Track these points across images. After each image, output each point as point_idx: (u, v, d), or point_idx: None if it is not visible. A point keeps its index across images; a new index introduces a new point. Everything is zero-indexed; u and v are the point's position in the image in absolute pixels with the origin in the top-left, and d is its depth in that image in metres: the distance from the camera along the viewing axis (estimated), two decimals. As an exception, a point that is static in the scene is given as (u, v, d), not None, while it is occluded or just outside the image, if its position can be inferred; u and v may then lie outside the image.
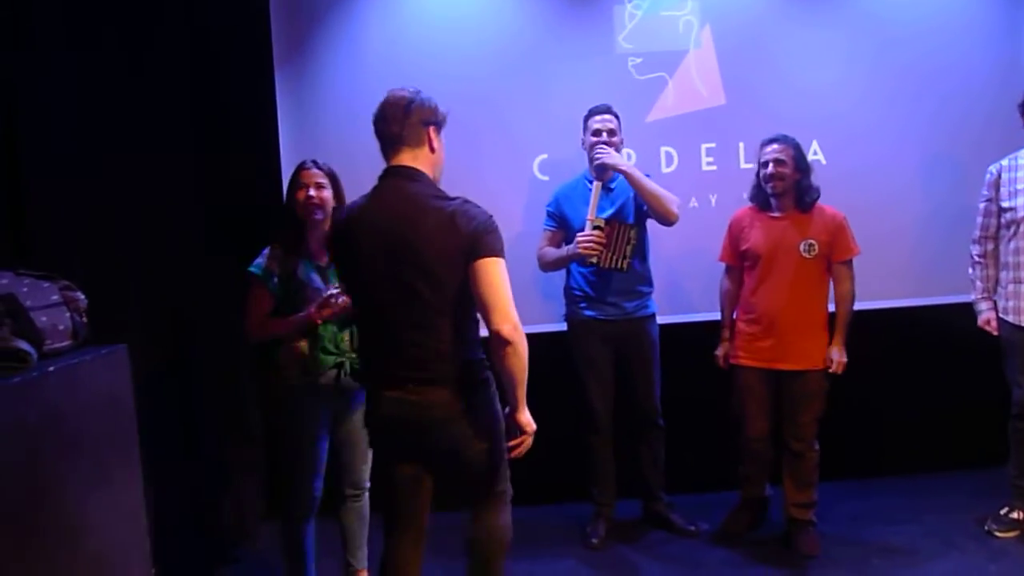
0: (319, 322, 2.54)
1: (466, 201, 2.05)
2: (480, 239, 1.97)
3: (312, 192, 2.60)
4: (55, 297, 2.07)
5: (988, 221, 3.15)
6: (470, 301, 2.01)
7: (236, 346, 2.64)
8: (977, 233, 3.19)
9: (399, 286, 2.01)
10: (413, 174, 2.09)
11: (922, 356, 3.68)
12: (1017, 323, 3.04)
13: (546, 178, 3.56)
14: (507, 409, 2.09)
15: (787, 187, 3.01)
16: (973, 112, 3.68)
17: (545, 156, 3.58)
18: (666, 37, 3.59)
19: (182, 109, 3.25)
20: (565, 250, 3.14)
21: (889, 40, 3.66)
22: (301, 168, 2.65)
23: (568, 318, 3.31)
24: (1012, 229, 3.04)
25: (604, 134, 3.10)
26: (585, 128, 3.19)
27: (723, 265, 3.25)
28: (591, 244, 3.00)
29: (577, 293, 3.25)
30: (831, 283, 3.08)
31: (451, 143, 3.17)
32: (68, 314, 2.08)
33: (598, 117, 3.14)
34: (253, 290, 2.59)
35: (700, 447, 3.52)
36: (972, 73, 3.69)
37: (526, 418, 2.06)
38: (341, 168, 3.49)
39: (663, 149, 3.61)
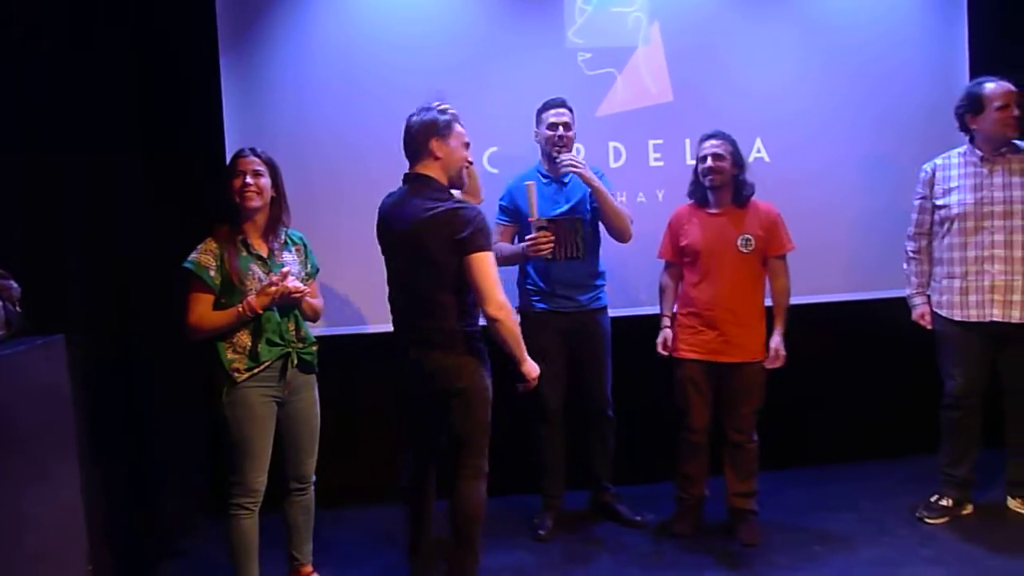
0: (259, 311, 2.50)
1: (458, 201, 2.50)
2: (469, 238, 2.42)
3: (249, 180, 2.55)
4: (-14, 286, 2.02)
5: (923, 218, 3.26)
6: (466, 283, 2.47)
7: (181, 338, 2.57)
8: (912, 230, 3.30)
9: (412, 268, 2.52)
10: (420, 179, 2.55)
11: (859, 348, 3.80)
12: (950, 317, 3.16)
13: (496, 171, 3.57)
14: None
15: (724, 181, 3.06)
16: (913, 115, 3.82)
17: (495, 149, 3.59)
18: (615, 33, 3.63)
19: (126, 102, 3.18)
20: (519, 247, 3.15)
21: (835, 44, 3.77)
22: (238, 155, 2.60)
23: (521, 310, 3.31)
24: (945, 226, 3.15)
25: (560, 128, 3.13)
26: (539, 121, 3.21)
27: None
28: (540, 245, 3.00)
29: (530, 286, 3.27)
30: (766, 277, 3.15)
31: (399, 136, 3.16)
32: (1, 303, 2.03)
33: (553, 111, 3.15)
34: (189, 286, 2.52)
35: (647, 439, 3.56)
36: (913, 78, 3.82)
37: (526, 368, 2.58)
38: (292, 160, 3.47)
39: (611, 144, 3.65)
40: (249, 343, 2.54)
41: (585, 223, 3.15)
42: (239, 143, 3.39)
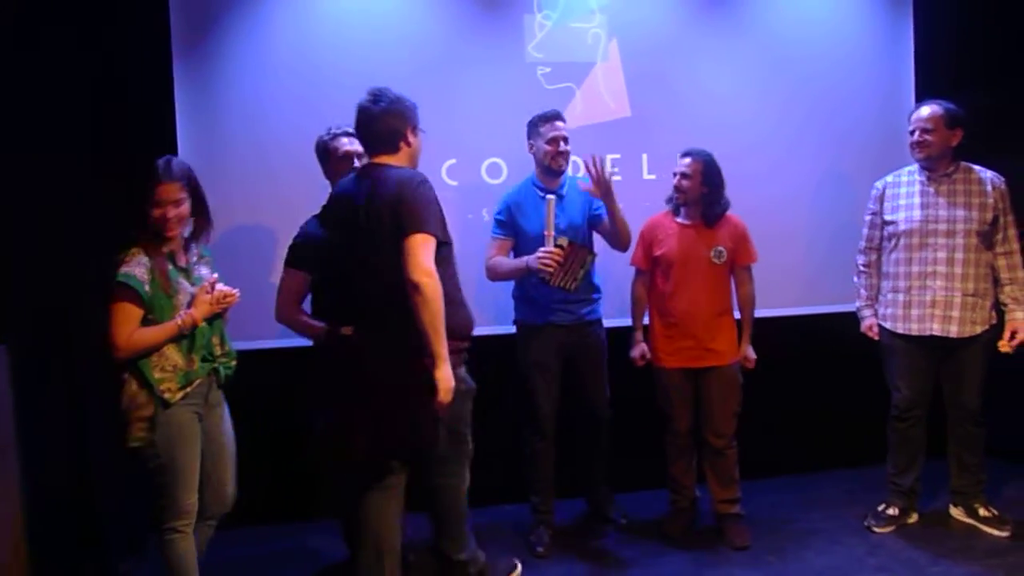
0: (200, 323, 2.42)
1: None
2: None
3: (170, 213, 2.38)
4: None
5: (873, 233, 3.35)
6: None
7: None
8: (862, 244, 3.39)
9: None
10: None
11: (810, 361, 3.88)
12: (894, 330, 3.25)
13: (455, 183, 3.57)
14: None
15: (690, 199, 3.15)
16: (859, 131, 3.94)
17: (453, 161, 3.59)
18: (575, 48, 3.67)
19: (75, 105, 3.10)
20: (522, 261, 3.09)
21: (785, 60, 3.88)
22: (157, 181, 2.37)
23: (518, 322, 3.32)
24: (893, 242, 3.24)
25: (561, 142, 3.14)
26: (535, 134, 3.19)
27: (631, 270, 3.34)
28: (549, 262, 2.95)
29: (528, 298, 3.24)
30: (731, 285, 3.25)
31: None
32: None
33: (551, 123, 3.15)
34: (122, 301, 2.32)
35: (636, 446, 3.61)
36: (859, 97, 3.95)
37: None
38: (247, 163, 3.43)
39: (571, 158, 3.67)
40: (180, 360, 2.40)
41: (594, 255, 3.16)
42: (192, 148, 3.36)
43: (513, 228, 3.22)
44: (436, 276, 2.26)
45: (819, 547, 3.19)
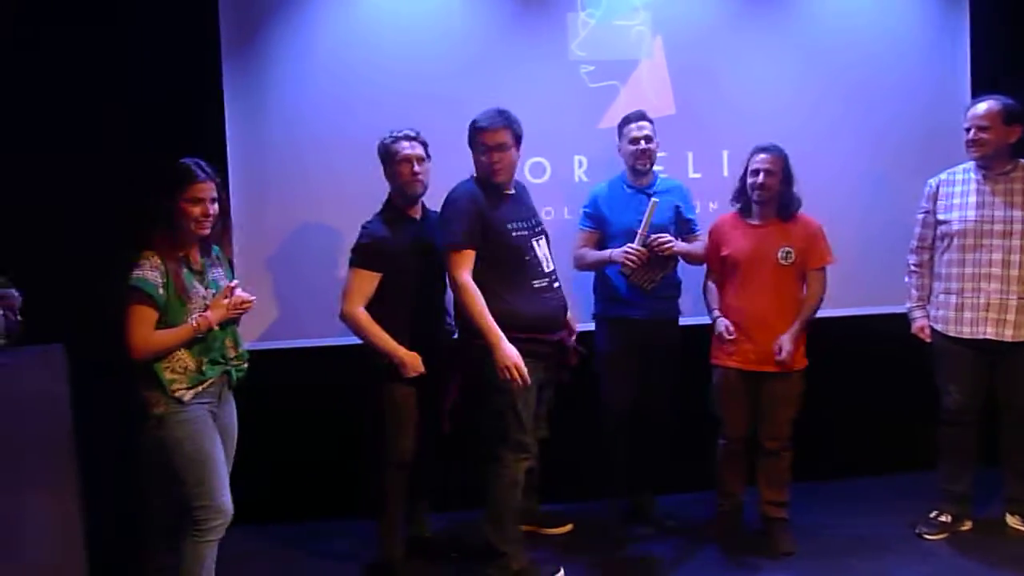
0: (215, 326, 2.42)
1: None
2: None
3: (211, 209, 2.42)
4: (-13, 294, 2.00)
5: (925, 232, 3.27)
6: None
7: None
8: (914, 243, 3.31)
9: None
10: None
11: (858, 363, 3.79)
12: (946, 332, 3.17)
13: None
14: None
15: (773, 196, 3.08)
16: (914, 131, 3.83)
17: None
18: (618, 46, 3.64)
19: (124, 106, 3.17)
20: (606, 253, 3.21)
21: (836, 60, 3.78)
22: (193, 179, 2.39)
23: (598, 316, 3.38)
24: (946, 242, 3.16)
25: (642, 141, 3.21)
26: (621, 135, 3.29)
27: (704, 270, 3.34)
28: (634, 258, 3.06)
29: (610, 292, 3.30)
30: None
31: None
32: (1, 312, 2.01)
33: (635, 124, 3.23)
34: (137, 304, 2.33)
35: (693, 446, 3.56)
36: (913, 95, 3.84)
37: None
38: (290, 167, 3.48)
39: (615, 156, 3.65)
40: (191, 364, 2.41)
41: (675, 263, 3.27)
42: (241, 148, 3.42)
43: (599, 221, 3.30)
44: (465, 283, 2.70)
45: (866, 554, 3.13)
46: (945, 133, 3.38)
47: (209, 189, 2.41)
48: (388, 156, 2.95)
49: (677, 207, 3.30)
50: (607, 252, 3.20)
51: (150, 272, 2.35)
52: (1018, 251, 3.03)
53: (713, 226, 3.26)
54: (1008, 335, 3.04)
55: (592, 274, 3.39)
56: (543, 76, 3.58)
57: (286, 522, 3.58)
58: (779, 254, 3.09)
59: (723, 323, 3.15)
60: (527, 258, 2.85)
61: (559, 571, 3.02)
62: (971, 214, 3.09)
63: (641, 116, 3.25)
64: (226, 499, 2.44)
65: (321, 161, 3.46)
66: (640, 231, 3.08)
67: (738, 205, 3.19)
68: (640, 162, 3.24)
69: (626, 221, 3.20)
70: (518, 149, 2.92)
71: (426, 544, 3.23)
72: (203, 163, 2.44)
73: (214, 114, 3.39)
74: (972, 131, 3.06)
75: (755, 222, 3.14)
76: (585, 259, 3.30)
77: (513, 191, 2.98)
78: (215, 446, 2.44)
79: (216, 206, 2.44)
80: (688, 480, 3.67)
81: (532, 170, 3.61)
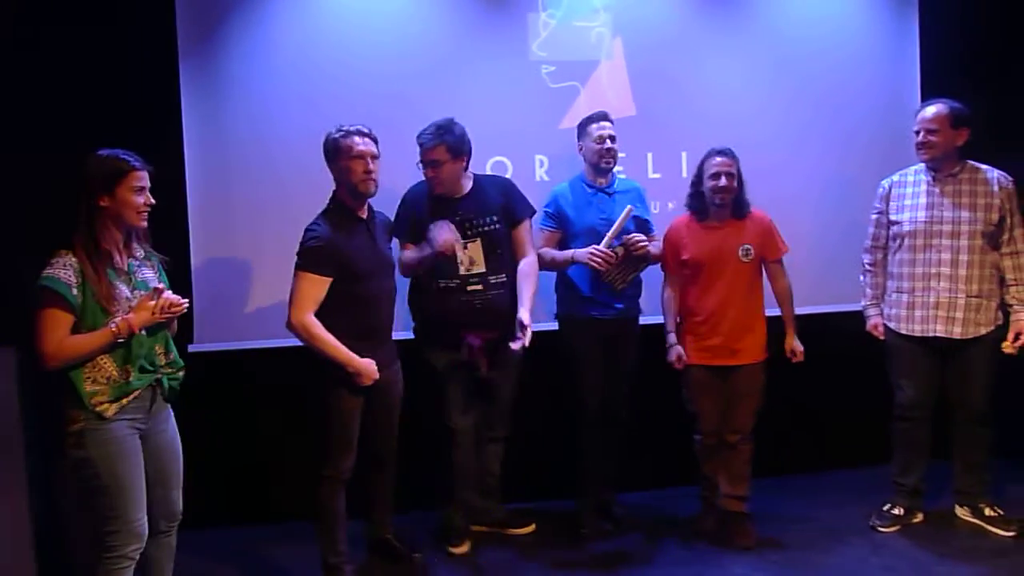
0: (136, 331, 2.24)
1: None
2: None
3: (151, 201, 2.32)
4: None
5: (878, 232, 3.34)
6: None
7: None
8: (868, 243, 3.38)
9: None
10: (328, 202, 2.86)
11: (817, 360, 3.84)
12: (898, 330, 3.25)
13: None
14: None
15: (732, 198, 3.16)
16: (865, 129, 3.92)
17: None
18: (579, 47, 3.66)
19: (79, 104, 3.12)
20: (569, 253, 3.21)
21: (789, 58, 3.85)
22: (131, 168, 2.28)
23: (561, 316, 3.39)
24: (898, 242, 3.24)
25: (607, 140, 3.24)
26: (583, 134, 3.30)
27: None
28: (600, 261, 3.07)
29: (573, 292, 3.32)
30: (763, 282, 3.26)
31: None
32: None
33: (598, 124, 3.25)
34: (48, 307, 2.17)
35: (656, 445, 3.67)
36: (864, 96, 3.93)
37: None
38: (253, 165, 3.43)
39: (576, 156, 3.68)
40: (115, 372, 2.24)
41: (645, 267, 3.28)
42: (199, 149, 3.37)
43: (561, 221, 3.32)
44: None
45: (824, 546, 3.20)
46: (899, 135, 3.45)
47: (146, 178, 2.31)
48: (338, 152, 2.80)
49: (636, 208, 3.32)
50: (570, 252, 3.22)
51: (62, 271, 2.18)
52: (966, 251, 3.11)
53: (668, 231, 3.30)
54: (957, 332, 3.12)
55: (554, 274, 3.40)
56: (505, 76, 3.59)
57: (265, 523, 3.56)
58: (739, 252, 3.15)
59: (675, 352, 3.23)
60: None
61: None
62: (921, 215, 3.17)
63: (604, 116, 3.28)
64: (139, 524, 2.28)
65: (285, 158, 3.41)
66: (609, 235, 3.11)
67: (694, 208, 3.23)
68: (605, 160, 3.26)
69: (588, 220, 3.24)
70: (460, 160, 3.02)
71: (386, 545, 3.20)
72: (131, 153, 2.33)
73: (171, 112, 3.34)
74: (921, 134, 3.14)
75: (712, 223, 3.19)
76: (545, 258, 3.30)
77: (462, 194, 3.07)
78: (133, 468, 2.26)
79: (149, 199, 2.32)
80: (646, 478, 3.72)
81: (494, 169, 3.61)
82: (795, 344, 3.24)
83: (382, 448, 3.04)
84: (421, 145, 3.00)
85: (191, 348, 3.31)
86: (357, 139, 2.80)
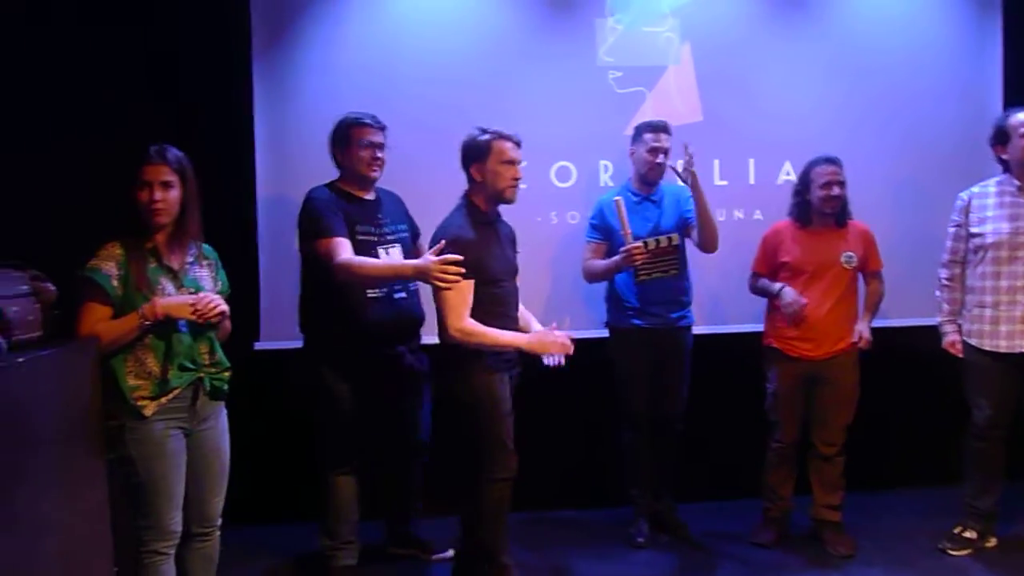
0: (159, 315, 2.16)
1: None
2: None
3: (157, 194, 2.20)
4: (24, 287, 2.02)
5: (957, 245, 3.23)
6: None
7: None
8: (946, 257, 3.27)
9: None
10: (460, 203, 2.79)
11: (883, 376, 3.75)
12: (980, 346, 3.13)
13: (524, 186, 3.50)
14: None
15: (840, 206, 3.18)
16: (940, 140, 3.80)
17: (525, 163, 3.55)
18: (646, 52, 3.63)
19: (153, 100, 3.21)
20: (612, 261, 3.19)
21: (864, 66, 3.76)
22: (146, 160, 2.22)
23: (611, 325, 3.38)
24: (979, 255, 3.13)
25: (660, 155, 3.20)
26: (638, 140, 3.27)
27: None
28: (636, 257, 3.06)
29: (621, 302, 3.30)
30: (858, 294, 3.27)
31: (428, 147, 3.22)
32: (38, 305, 2.02)
33: (655, 135, 3.20)
34: (88, 299, 2.16)
35: (727, 455, 3.63)
36: (942, 103, 3.81)
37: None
38: (317, 167, 3.45)
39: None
40: (157, 368, 2.21)
41: (680, 239, 3.21)
42: (268, 147, 3.43)
43: (606, 232, 3.29)
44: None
45: (890, 569, 3.09)
46: (979, 145, 3.34)
47: (160, 172, 2.21)
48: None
49: (681, 210, 3.28)
50: (613, 260, 3.19)
51: (105, 263, 2.17)
52: (1052, 263, 2.99)
53: (769, 233, 3.30)
54: (1044, 348, 3.01)
55: (603, 285, 3.37)
56: (571, 81, 3.58)
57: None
58: (842, 258, 3.17)
59: (791, 291, 3.15)
60: None
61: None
62: (1005, 226, 3.06)
63: (664, 128, 3.22)
64: (172, 522, 2.25)
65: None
66: (622, 231, 3.10)
67: (798, 217, 3.23)
68: (653, 173, 3.23)
69: (634, 230, 3.15)
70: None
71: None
72: (169, 147, 2.26)
73: (243, 113, 3.41)
74: None
75: (814, 229, 3.19)
76: (592, 270, 3.29)
77: (373, 196, 3.02)
78: (170, 468, 2.23)
79: (172, 194, 2.23)
80: (726, 488, 3.68)
81: (558, 174, 3.61)
82: (864, 330, 3.22)
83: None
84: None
85: (257, 346, 3.36)
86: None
